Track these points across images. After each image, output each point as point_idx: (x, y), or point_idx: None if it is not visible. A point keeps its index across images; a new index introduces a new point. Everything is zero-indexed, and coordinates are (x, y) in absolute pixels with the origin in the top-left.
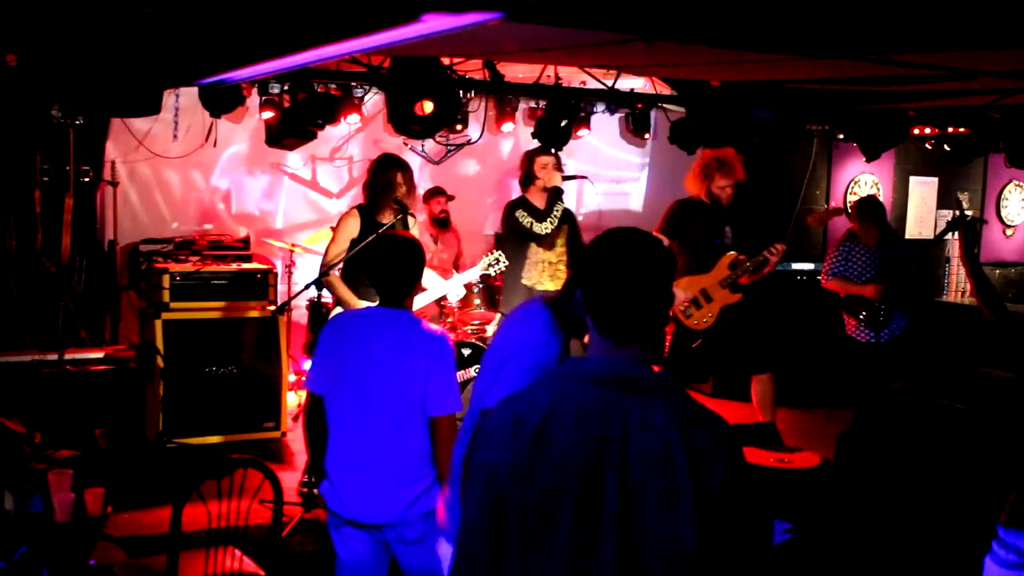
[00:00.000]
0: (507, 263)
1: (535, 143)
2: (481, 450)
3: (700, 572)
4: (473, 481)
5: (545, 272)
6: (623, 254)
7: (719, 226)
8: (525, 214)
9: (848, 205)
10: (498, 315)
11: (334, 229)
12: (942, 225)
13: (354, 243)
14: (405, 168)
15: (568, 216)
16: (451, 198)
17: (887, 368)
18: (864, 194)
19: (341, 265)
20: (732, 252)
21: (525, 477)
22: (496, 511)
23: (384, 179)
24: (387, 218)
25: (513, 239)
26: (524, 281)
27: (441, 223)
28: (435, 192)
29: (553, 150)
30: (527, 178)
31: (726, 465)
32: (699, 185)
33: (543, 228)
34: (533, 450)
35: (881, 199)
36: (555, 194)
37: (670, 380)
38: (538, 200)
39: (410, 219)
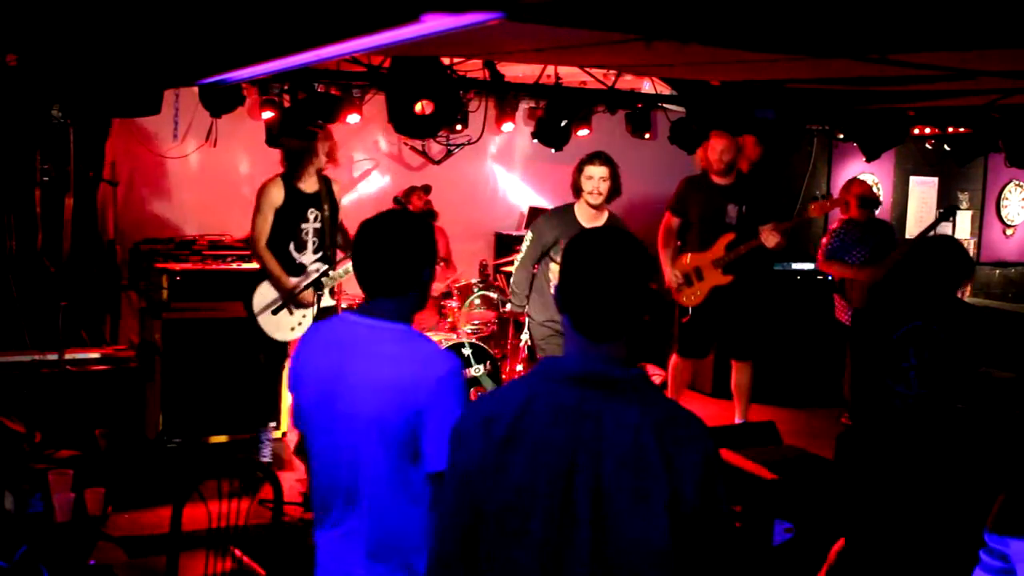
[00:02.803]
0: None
1: (535, 143)
2: (454, 450)
3: (673, 572)
4: (447, 481)
5: None
6: (598, 253)
7: (721, 203)
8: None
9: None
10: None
11: (256, 199)
12: (942, 224)
13: (278, 212)
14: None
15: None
16: (428, 188)
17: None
18: None
19: (266, 236)
20: (731, 233)
21: (497, 476)
22: (469, 510)
23: (304, 146)
24: (309, 185)
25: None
26: (549, 283)
27: (426, 216)
28: (411, 191)
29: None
30: (576, 187)
31: (701, 465)
32: (700, 152)
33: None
34: (505, 449)
35: (881, 199)
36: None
37: (646, 379)
38: (585, 215)
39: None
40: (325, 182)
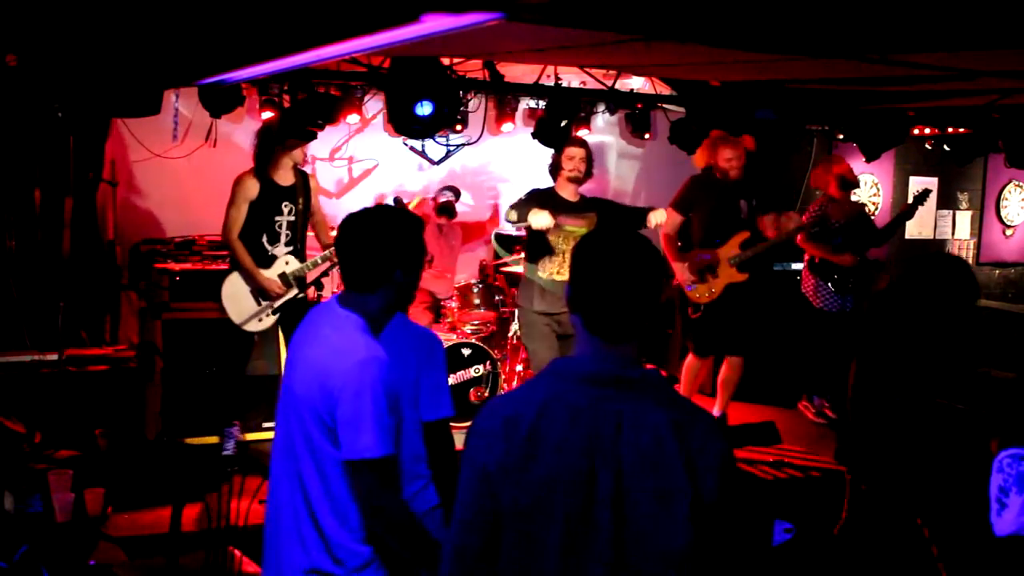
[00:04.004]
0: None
1: (535, 143)
2: (473, 450)
3: (694, 572)
4: (465, 481)
5: (566, 263)
6: (610, 254)
7: (732, 201)
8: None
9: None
10: (515, 309)
11: (232, 191)
12: (942, 224)
13: (252, 205)
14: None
15: (596, 204)
16: (456, 191)
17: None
18: (865, 194)
19: (238, 226)
20: (745, 231)
21: (517, 477)
22: (488, 511)
23: (273, 137)
24: (285, 179)
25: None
26: (540, 273)
27: (446, 210)
28: (441, 189)
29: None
30: (555, 167)
31: (721, 464)
32: (706, 160)
33: (511, 215)
34: (525, 450)
35: (881, 199)
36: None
37: (661, 379)
38: (567, 191)
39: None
40: (302, 176)
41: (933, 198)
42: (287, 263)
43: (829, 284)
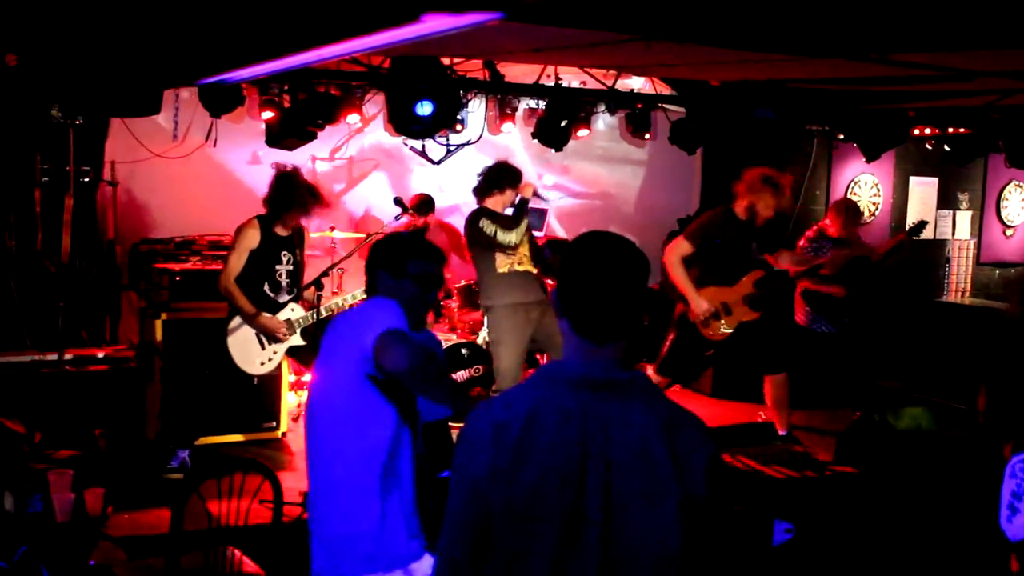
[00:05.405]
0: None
1: (535, 143)
2: (463, 457)
3: (684, 573)
4: (456, 488)
5: (522, 257)
6: (599, 257)
7: (747, 241)
8: (489, 222)
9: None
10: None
11: (233, 238)
12: (942, 224)
13: (252, 254)
14: (313, 190)
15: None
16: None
17: (856, 357)
18: (865, 195)
19: (236, 274)
20: (759, 271)
21: (507, 482)
22: (479, 518)
23: (292, 195)
24: (283, 230)
25: (479, 248)
26: (500, 269)
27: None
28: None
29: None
30: (484, 190)
31: (709, 465)
32: (745, 196)
33: (508, 238)
34: (515, 455)
35: (881, 199)
36: (521, 204)
37: (649, 381)
38: (498, 208)
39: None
40: (297, 227)
41: (932, 195)
42: (292, 310)
43: (821, 315)
